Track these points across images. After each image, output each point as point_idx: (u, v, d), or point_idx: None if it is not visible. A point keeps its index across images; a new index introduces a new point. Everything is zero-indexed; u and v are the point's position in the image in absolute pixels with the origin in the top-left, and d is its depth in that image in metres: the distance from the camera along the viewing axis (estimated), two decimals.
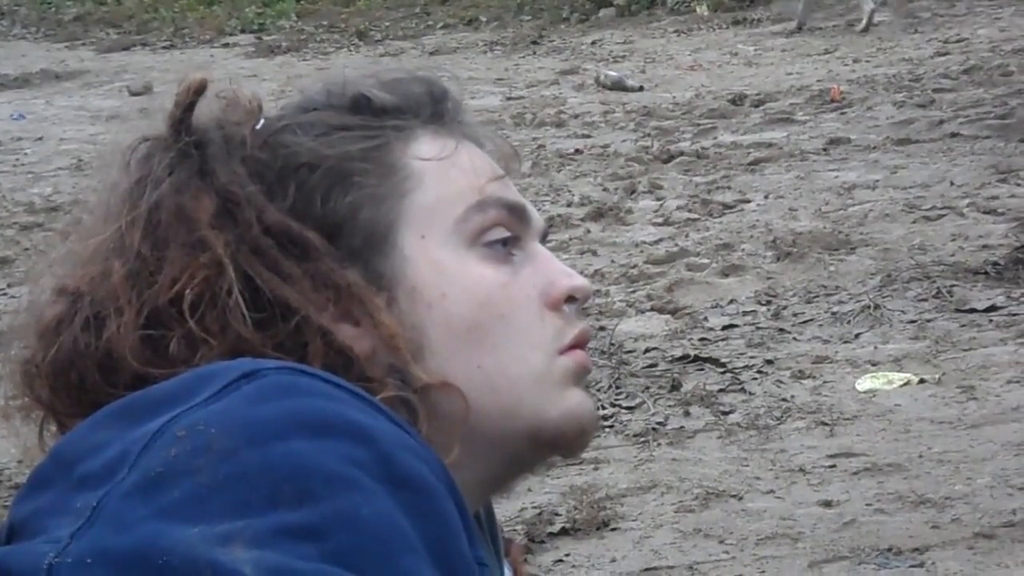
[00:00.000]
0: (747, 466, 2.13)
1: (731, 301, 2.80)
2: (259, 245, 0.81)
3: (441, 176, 0.86)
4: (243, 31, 7.61)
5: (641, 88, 5.42)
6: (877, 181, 3.51)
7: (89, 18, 8.11)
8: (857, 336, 2.55)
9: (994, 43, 5.47)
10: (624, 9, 7.29)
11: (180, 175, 0.82)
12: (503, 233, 0.85)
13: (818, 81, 5.05)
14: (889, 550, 1.75)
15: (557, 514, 1.97)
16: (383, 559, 0.62)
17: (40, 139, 5.17)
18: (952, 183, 3.34)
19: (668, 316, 2.76)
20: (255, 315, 0.79)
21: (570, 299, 0.86)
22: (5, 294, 3.10)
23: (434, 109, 0.89)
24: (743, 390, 2.38)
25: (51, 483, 0.71)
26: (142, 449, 0.66)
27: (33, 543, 0.66)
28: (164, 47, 7.32)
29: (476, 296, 0.84)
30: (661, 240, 3.24)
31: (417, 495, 0.66)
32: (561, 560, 1.86)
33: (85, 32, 7.80)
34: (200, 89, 0.82)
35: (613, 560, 1.87)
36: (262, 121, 0.87)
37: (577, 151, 4.21)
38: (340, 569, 0.61)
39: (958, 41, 5.71)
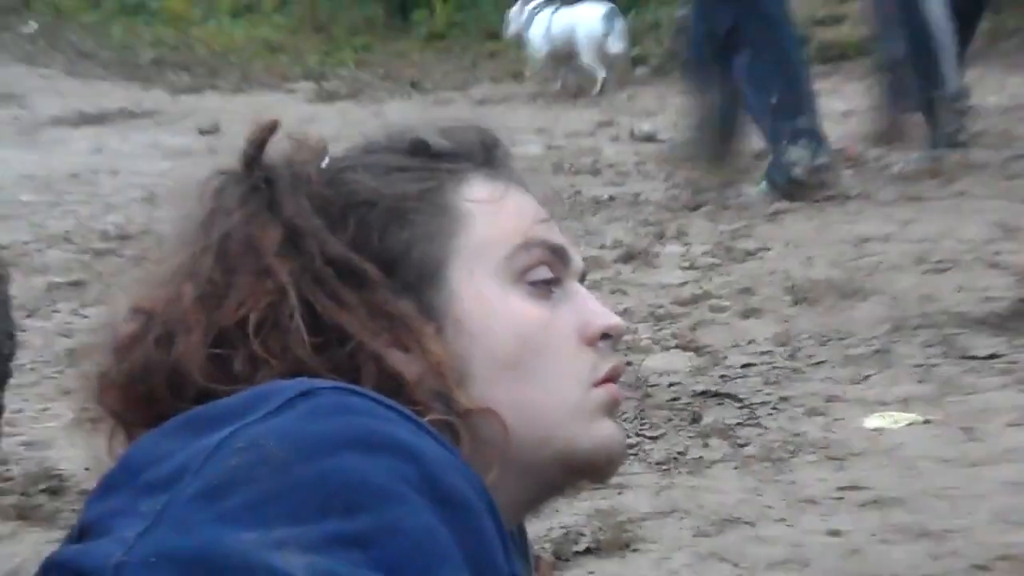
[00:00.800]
0: (760, 496, 2.16)
1: (750, 341, 2.86)
2: (320, 274, 0.85)
3: (490, 217, 0.90)
4: (305, 78, 8.07)
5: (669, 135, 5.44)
6: (889, 234, 3.62)
7: (164, 62, 8.58)
8: (867, 378, 2.60)
9: (1002, 109, 5.51)
10: (659, 68, 7.44)
11: (250, 207, 0.87)
12: (546, 273, 0.90)
13: (837, 139, 5.05)
14: None
15: (582, 535, 1.98)
16: (425, 569, 0.67)
17: (115, 172, 5.43)
18: (958, 239, 3.45)
19: (691, 353, 2.83)
20: (313, 339, 0.83)
21: (605, 336, 0.91)
22: (78, 314, 3.21)
23: (486, 156, 0.93)
24: (759, 424, 2.43)
25: (119, 488, 0.76)
26: (205, 459, 0.71)
27: (102, 542, 0.71)
28: (232, 91, 7.81)
29: (518, 331, 0.89)
30: (686, 283, 3.31)
31: (458, 511, 0.71)
32: (591, 574, 1.88)
33: (159, 75, 8.27)
34: (272, 129, 0.88)
35: (637, 568, 1.91)
36: (327, 160, 0.92)
37: (611, 198, 4.35)
38: None
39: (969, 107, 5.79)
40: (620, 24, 7.09)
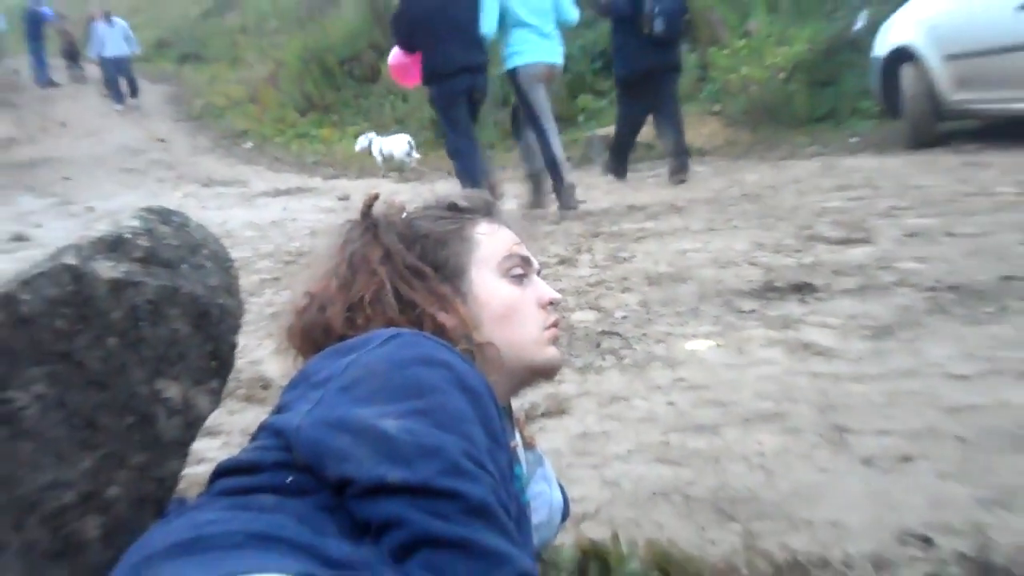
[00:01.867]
0: (632, 385, 2.58)
1: (626, 305, 3.45)
2: (402, 274, 1.12)
3: (490, 242, 1.19)
4: (392, 171, 10.30)
5: (582, 199, 6.35)
6: (698, 248, 4.38)
7: (319, 162, 11.32)
8: (686, 323, 3.11)
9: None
10: (583, 160, 9.08)
11: (365, 238, 1.16)
12: (519, 271, 1.20)
13: (662, 197, 6.26)
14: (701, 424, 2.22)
15: (539, 405, 2.40)
16: (457, 425, 0.92)
17: (294, 220, 7.07)
18: (734, 250, 4.22)
19: (595, 311, 3.42)
20: (398, 307, 1.10)
21: (550, 303, 1.20)
22: (277, 295, 4.05)
23: (487, 209, 1.23)
24: (631, 347, 2.92)
25: (298, 385, 1.02)
26: (343, 370, 0.97)
27: (289, 414, 0.97)
28: (355, 178, 10.19)
29: (505, 301, 1.17)
30: (592, 275, 4.03)
31: (475, 395, 0.96)
32: (541, 428, 2.25)
33: (317, 168, 10.95)
34: (375, 197, 1.20)
35: (567, 427, 2.31)
36: (405, 213, 1.21)
37: (552, 231, 5.31)
38: (438, 430, 0.91)
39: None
40: (413, 146, 11.05)
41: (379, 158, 11.02)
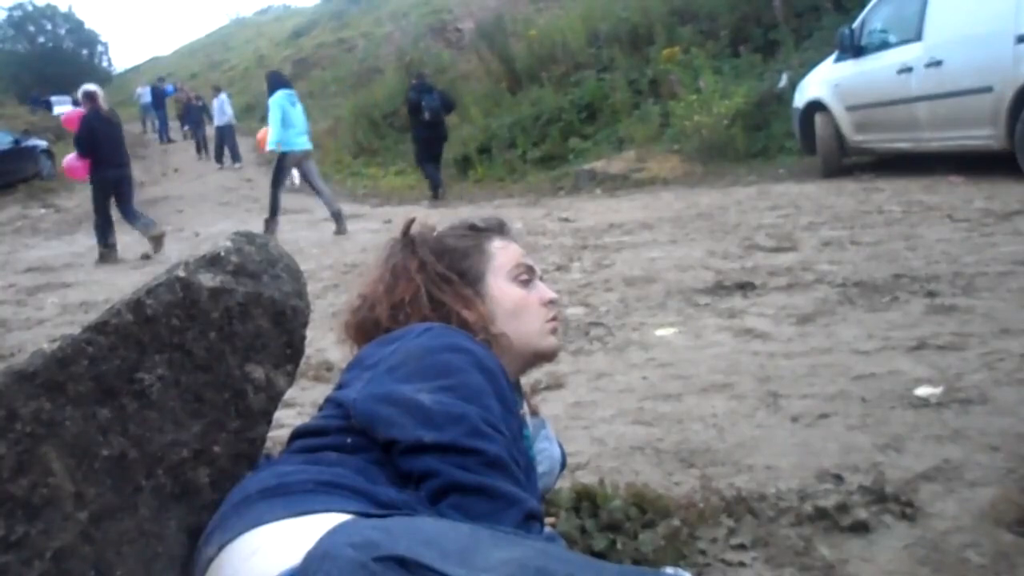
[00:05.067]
0: (614, 364, 2.56)
1: (608, 301, 3.41)
2: (434, 280, 1.12)
3: (503, 254, 1.18)
4: (424, 199, 9.85)
5: (573, 220, 6.45)
6: (663, 256, 4.34)
7: (368, 193, 11.02)
8: (656, 315, 3.10)
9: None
10: (573, 189, 8.93)
11: (404, 252, 1.16)
12: (526, 276, 1.18)
13: (635, 217, 6.14)
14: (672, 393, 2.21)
15: (540, 380, 2.39)
16: (477, 397, 0.93)
17: (350, 239, 6.94)
18: (683, 257, 4.19)
19: (584, 307, 3.36)
20: (431, 306, 1.10)
21: (551, 301, 1.18)
22: (338, 297, 4.01)
23: (501, 229, 1.22)
24: (612, 335, 2.89)
25: (354, 368, 1.03)
26: (388, 355, 0.98)
27: (348, 390, 0.98)
28: (395, 206, 9.66)
29: (515, 300, 1.15)
30: (582, 278, 3.96)
31: (492, 375, 0.96)
32: (543, 399, 2.24)
33: (366, 198, 10.61)
34: (413, 220, 1.19)
35: (563, 398, 2.30)
36: (436, 231, 1.20)
37: (550, 244, 5.23)
38: (462, 402, 0.91)
39: None
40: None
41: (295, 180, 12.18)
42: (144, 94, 21.28)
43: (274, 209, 7.54)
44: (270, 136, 7.51)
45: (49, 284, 5.87)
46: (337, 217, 7.45)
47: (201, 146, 16.81)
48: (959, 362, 2.25)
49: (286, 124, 7.39)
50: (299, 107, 7.67)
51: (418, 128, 9.67)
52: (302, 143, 7.62)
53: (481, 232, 1.19)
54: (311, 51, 23.11)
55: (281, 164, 7.51)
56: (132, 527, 0.93)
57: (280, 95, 7.49)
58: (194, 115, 17.20)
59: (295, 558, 0.74)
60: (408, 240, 1.16)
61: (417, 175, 11.69)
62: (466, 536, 0.72)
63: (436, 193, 9.66)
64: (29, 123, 18.69)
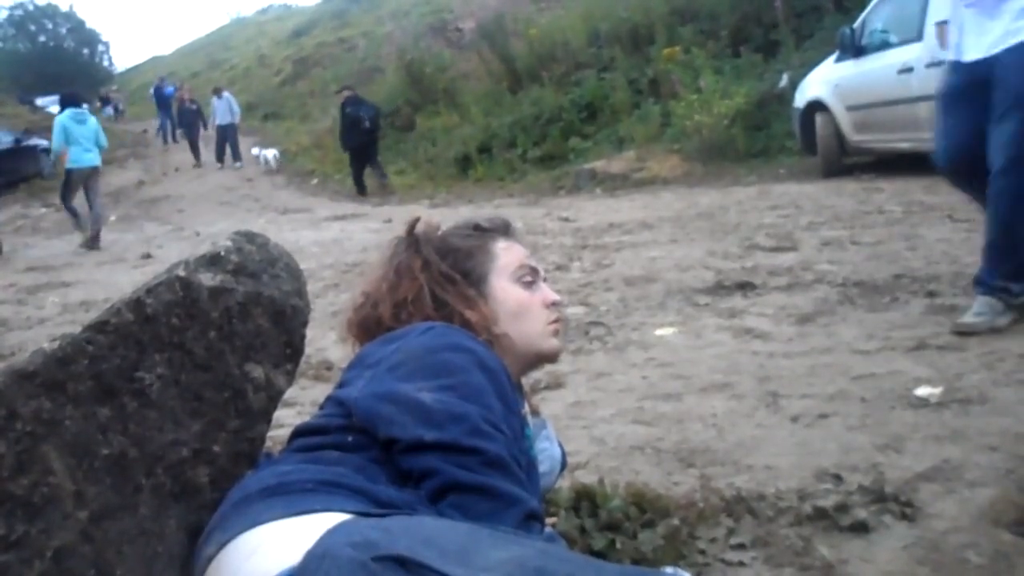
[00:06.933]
0: (614, 363, 2.57)
1: (609, 300, 3.42)
2: (437, 279, 1.11)
3: (507, 255, 1.17)
4: (428, 199, 9.94)
5: (573, 219, 6.47)
6: (664, 255, 4.32)
7: (368, 193, 11.10)
8: (656, 315, 3.10)
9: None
10: (574, 189, 8.95)
11: (408, 251, 1.15)
12: (529, 278, 1.17)
13: (635, 217, 6.17)
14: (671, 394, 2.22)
15: (540, 380, 2.39)
16: (478, 397, 0.92)
17: (350, 239, 6.90)
18: (690, 257, 4.17)
19: (585, 307, 3.37)
20: (434, 305, 1.09)
21: (553, 303, 1.18)
22: (339, 296, 4.01)
23: (505, 229, 1.21)
24: (613, 334, 2.90)
25: (355, 367, 1.02)
26: (390, 354, 0.97)
27: (349, 388, 0.97)
28: (398, 205, 9.71)
29: (518, 301, 1.14)
30: (582, 278, 3.97)
31: (494, 374, 0.96)
32: (543, 398, 2.25)
33: (367, 198, 10.77)
34: (416, 219, 1.18)
35: (564, 397, 2.31)
36: (440, 231, 1.19)
37: (550, 244, 5.25)
38: (463, 401, 0.91)
39: None
40: (278, 156, 13.91)
41: (261, 161, 13.87)
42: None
43: (76, 220, 8.38)
44: (52, 151, 8.59)
45: (49, 283, 5.90)
46: (95, 236, 8.10)
47: (195, 149, 16.23)
48: (959, 362, 2.25)
49: (70, 141, 8.10)
50: (89, 124, 8.30)
51: (359, 136, 11.00)
52: (88, 160, 8.30)
53: (486, 232, 1.18)
54: (312, 50, 23.14)
55: (67, 179, 8.31)
56: (132, 526, 0.93)
57: (64, 115, 8.26)
58: (187, 118, 16.68)
59: (295, 557, 0.74)
60: (412, 239, 1.16)
61: (418, 174, 11.80)
62: (465, 536, 0.72)
63: (362, 190, 10.97)
64: (30, 122, 18.65)
